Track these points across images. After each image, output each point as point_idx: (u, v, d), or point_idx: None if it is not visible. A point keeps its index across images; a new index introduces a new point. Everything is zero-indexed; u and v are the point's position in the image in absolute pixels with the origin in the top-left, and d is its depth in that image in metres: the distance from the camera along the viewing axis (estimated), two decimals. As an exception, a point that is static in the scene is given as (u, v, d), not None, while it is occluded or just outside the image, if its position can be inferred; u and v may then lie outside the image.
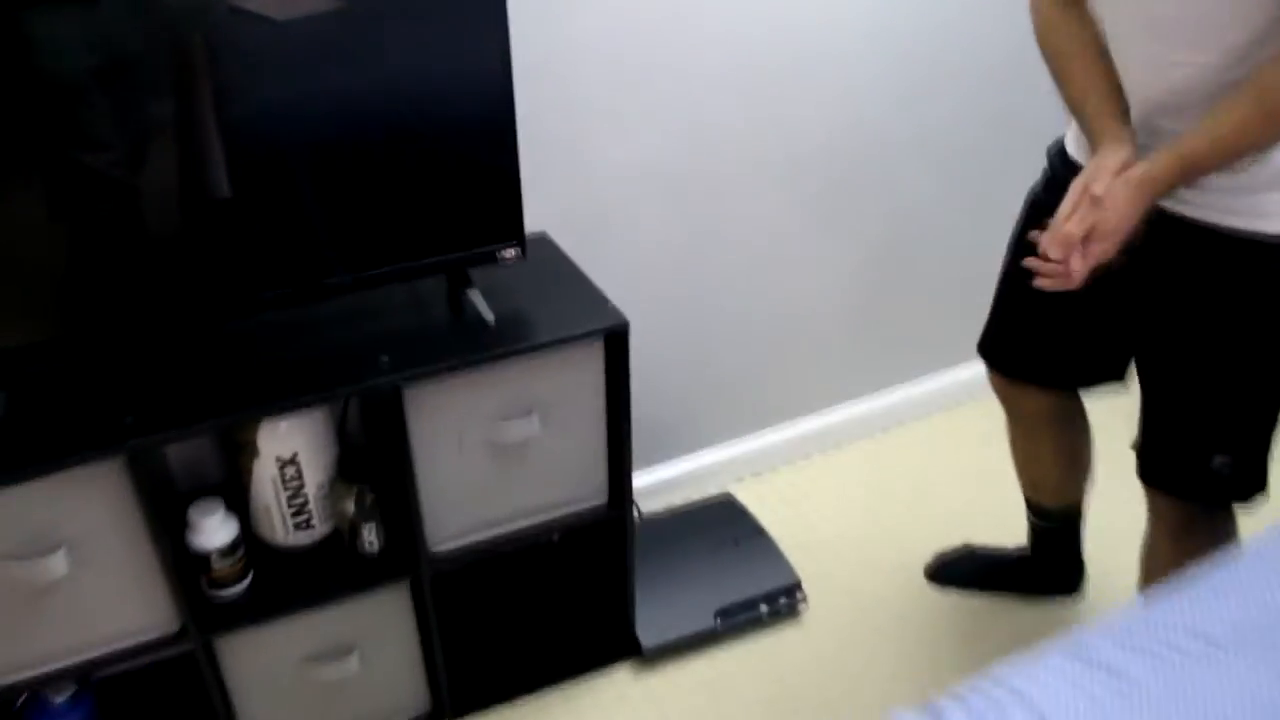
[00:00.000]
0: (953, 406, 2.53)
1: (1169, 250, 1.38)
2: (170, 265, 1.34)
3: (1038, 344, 1.66)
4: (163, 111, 1.26)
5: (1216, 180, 1.29)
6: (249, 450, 1.47)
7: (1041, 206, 1.50)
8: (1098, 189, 1.26)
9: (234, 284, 1.38)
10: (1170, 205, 1.34)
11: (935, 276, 2.31)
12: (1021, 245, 1.51)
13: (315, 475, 1.53)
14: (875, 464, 2.38)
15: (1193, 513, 1.52)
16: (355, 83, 1.33)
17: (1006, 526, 2.03)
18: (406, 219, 1.44)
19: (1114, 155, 1.27)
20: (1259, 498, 1.46)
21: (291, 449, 1.48)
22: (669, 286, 2.02)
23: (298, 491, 1.52)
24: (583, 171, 1.82)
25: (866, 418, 2.44)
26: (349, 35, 1.31)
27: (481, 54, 1.40)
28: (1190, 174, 1.25)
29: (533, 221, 1.67)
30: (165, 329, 1.37)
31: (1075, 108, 1.39)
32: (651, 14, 1.75)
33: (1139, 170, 1.25)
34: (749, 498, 2.22)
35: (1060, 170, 1.50)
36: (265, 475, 1.49)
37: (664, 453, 2.21)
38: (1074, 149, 1.49)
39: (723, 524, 2.13)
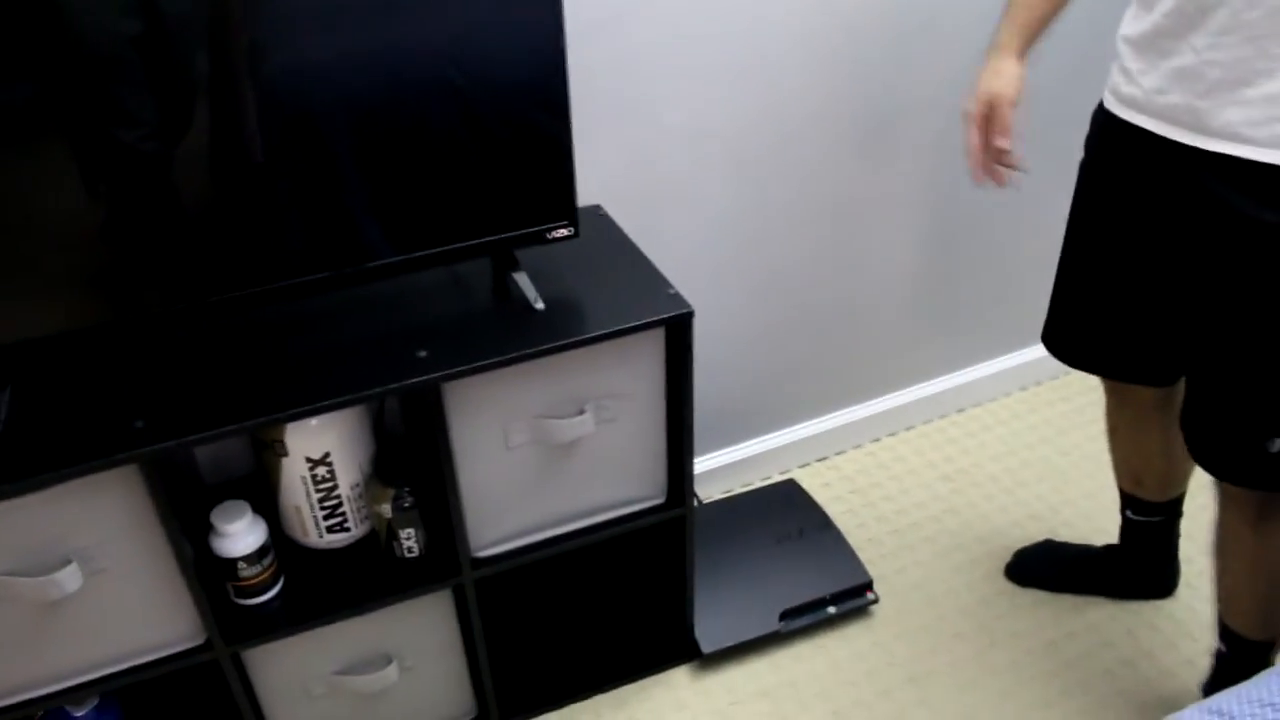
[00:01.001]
0: (1031, 386, 2.36)
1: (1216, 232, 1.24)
2: (199, 247, 1.22)
3: (1098, 333, 1.50)
4: (196, 75, 1.13)
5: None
6: (277, 448, 1.35)
7: (1088, 168, 1.43)
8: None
9: (266, 267, 1.25)
10: (1229, 147, 1.19)
11: (1009, 251, 2.13)
12: (1078, 218, 1.47)
13: (349, 475, 1.40)
14: (950, 448, 2.22)
15: (1264, 499, 1.38)
16: (395, 42, 1.19)
17: (1093, 520, 1.88)
18: (450, 194, 1.30)
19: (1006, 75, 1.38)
20: None
21: (323, 448, 1.36)
22: (731, 261, 1.86)
23: (330, 492, 1.40)
24: (640, 138, 1.66)
25: (940, 398, 2.27)
26: None
27: (532, 9, 1.24)
28: None
29: (586, 193, 1.52)
30: (192, 316, 1.25)
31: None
32: None
33: None
34: (814, 485, 2.08)
35: (1102, 124, 1.38)
36: (295, 474, 1.37)
37: (725, 437, 2.07)
38: (1111, 101, 1.34)
39: (787, 513, 1.98)
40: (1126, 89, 1.30)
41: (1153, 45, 1.25)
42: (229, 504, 1.34)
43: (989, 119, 1.40)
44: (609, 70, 1.58)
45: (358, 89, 1.20)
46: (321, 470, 1.37)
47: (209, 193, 1.20)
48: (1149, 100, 1.27)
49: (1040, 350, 1.56)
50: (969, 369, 2.30)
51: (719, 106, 1.70)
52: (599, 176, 1.62)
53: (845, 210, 1.92)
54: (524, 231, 1.35)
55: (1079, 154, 1.45)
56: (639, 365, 1.42)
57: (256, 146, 1.19)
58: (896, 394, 2.23)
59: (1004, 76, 1.39)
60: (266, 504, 1.42)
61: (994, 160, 1.42)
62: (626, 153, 1.66)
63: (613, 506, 1.53)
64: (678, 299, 1.40)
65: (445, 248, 1.32)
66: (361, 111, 1.21)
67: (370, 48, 1.19)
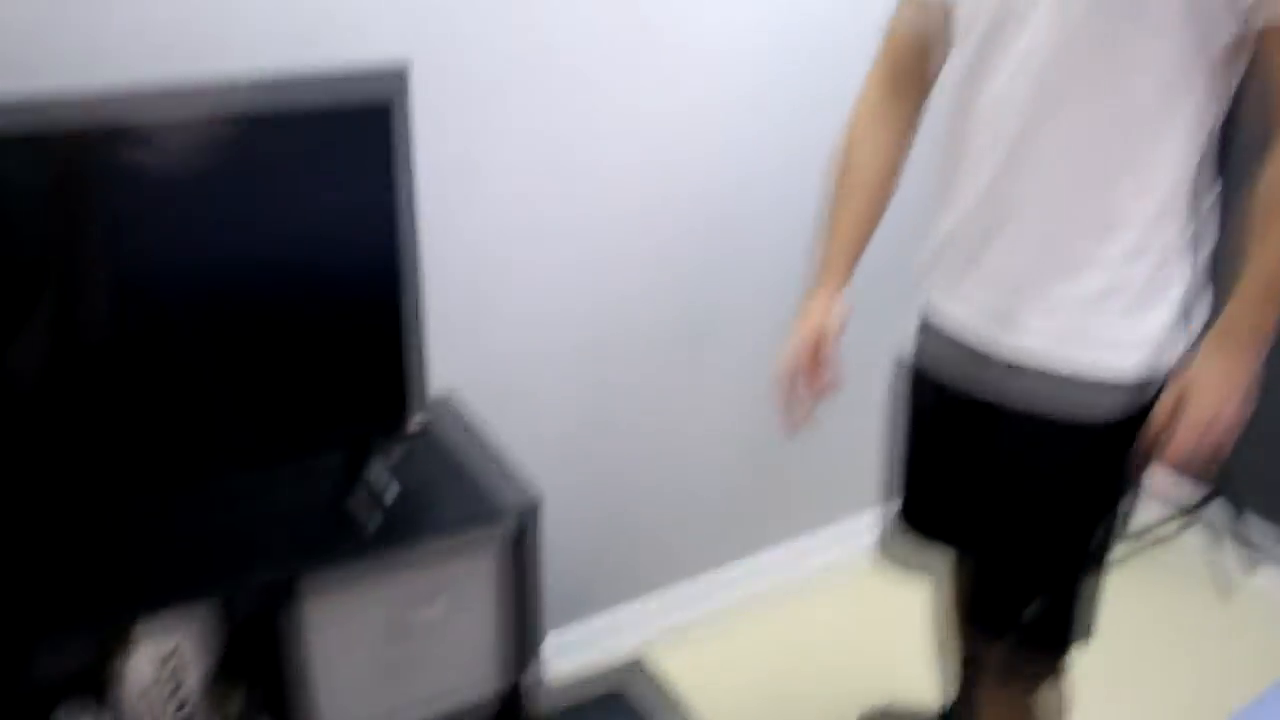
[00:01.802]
0: (864, 555, 2.48)
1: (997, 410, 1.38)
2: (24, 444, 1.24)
3: (935, 506, 1.60)
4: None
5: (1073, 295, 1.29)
6: (120, 645, 1.35)
7: (905, 364, 1.54)
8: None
9: (92, 473, 1.27)
10: (1010, 340, 1.33)
11: (848, 420, 2.29)
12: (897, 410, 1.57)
13: (196, 671, 1.40)
14: (792, 618, 2.31)
15: (1015, 660, 1.50)
16: (235, 239, 1.25)
17: (932, 683, 1.98)
18: (292, 393, 1.35)
19: (828, 309, 1.42)
20: (1077, 645, 1.45)
21: (168, 645, 1.36)
22: (578, 445, 1.94)
23: (176, 691, 1.39)
24: (492, 329, 1.75)
25: (779, 568, 2.37)
26: (231, 183, 1.23)
27: (381, 210, 1.33)
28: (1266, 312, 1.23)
29: (439, 380, 1.60)
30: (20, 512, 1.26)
31: (833, 228, 1.45)
32: (560, 175, 1.72)
33: (1216, 339, 1.25)
34: (664, 660, 2.14)
35: (919, 326, 1.50)
36: (140, 673, 1.37)
37: (572, 613, 2.12)
38: (923, 303, 1.48)
39: (634, 698, 2.02)
40: (933, 294, 1.45)
41: (947, 252, 1.40)
42: (70, 706, 1.32)
43: (807, 357, 1.42)
44: (459, 261, 1.66)
45: (194, 285, 1.24)
46: (168, 668, 1.37)
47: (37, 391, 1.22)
48: (951, 305, 1.41)
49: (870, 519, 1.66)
50: (812, 533, 2.41)
51: (566, 297, 1.81)
52: (451, 365, 1.70)
53: (681, 395, 2.04)
54: (368, 428, 1.41)
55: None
56: (489, 556, 1.48)
57: (85, 339, 1.22)
58: (742, 565, 2.32)
59: (829, 311, 1.44)
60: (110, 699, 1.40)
61: (808, 401, 1.44)
62: (479, 343, 1.74)
63: (459, 691, 1.56)
64: (526, 489, 1.47)
65: (284, 448, 1.36)
66: (198, 307, 1.25)
67: (207, 243, 1.23)
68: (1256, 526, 2.43)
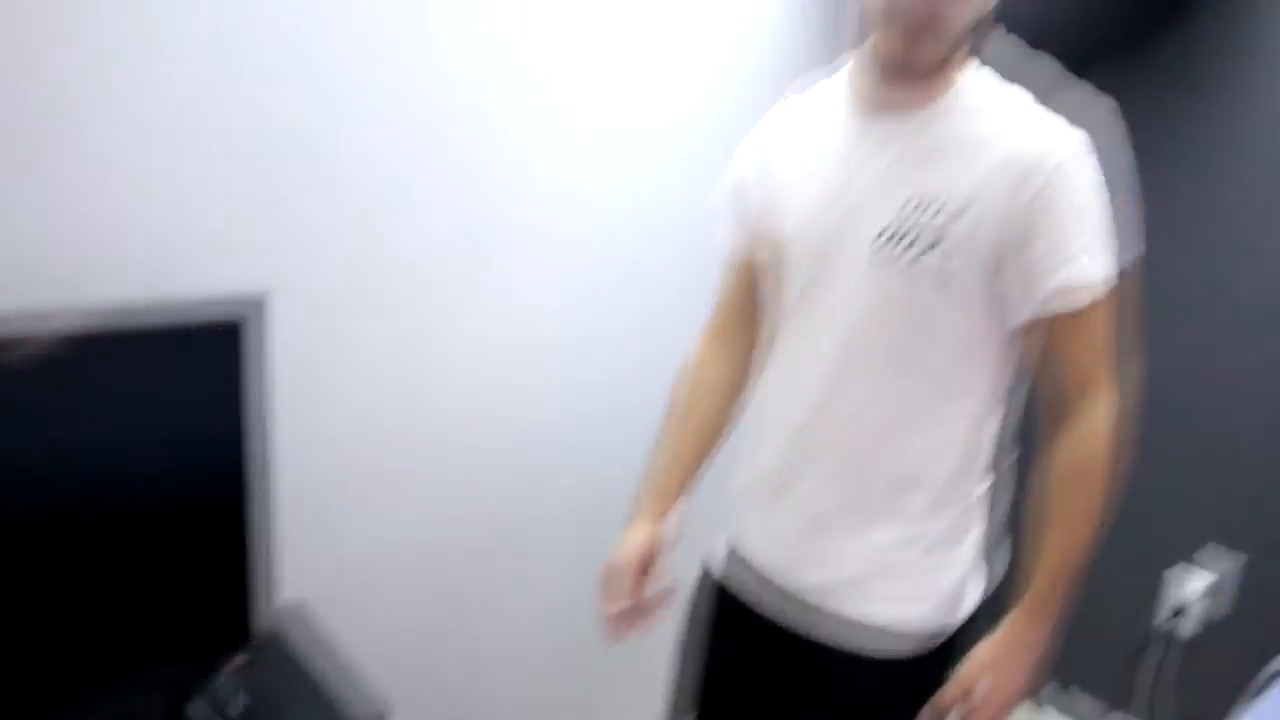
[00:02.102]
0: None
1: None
2: None
3: None
4: None
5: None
6: None
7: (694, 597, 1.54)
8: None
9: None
10: (809, 579, 1.37)
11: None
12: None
13: None
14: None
15: None
16: (86, 453, 1.22)
17: None
18: (137, 608, 1.29)
19: (641, 540, 1.42)
20: None
21: None
22: (424, 653, 1.90)
23: None
24: (341, 538, 1.71)
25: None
26: (84, 398, 1.21)
27: (232, 426, 1.31)
28: (1055, 604, 1.29)
29: (289, 590, 1.57)
30: None
31: (660, 460, 1.49)
32: (407, 389, 1.74)
33: (1018, 620, 1.30)
34: None
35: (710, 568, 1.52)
36: None
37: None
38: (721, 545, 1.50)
39: None
40: (741, 523, 1.47)
41: (756, 487, 1.43)
42: None
43: (628, 572, 1.43)
44: (310, 471, 1.63)
45: (30, 497, 1.19)
46: None
47: None
48: (755, 539, 1.44)
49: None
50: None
51: (411, 505, 1.80)
52: (300, 575, 1.63)
53: (513, 600, 2.02)
54: (213, 639, 1.35)
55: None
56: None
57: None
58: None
59: (647, 542, 1.44)
60: None
61: (630, 620, 1.44)
62: (327, 552, 1.70)
63: None
64: (373, 700, 1.41)
65: (128, 660, 1.29)
66: (40, 522, 1.20)
67: (56, 457, 1.20)
68: (1083, 701, 2.56)
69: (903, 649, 1.34)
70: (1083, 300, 1.22)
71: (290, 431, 1.55)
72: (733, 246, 1.48)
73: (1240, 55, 2.09)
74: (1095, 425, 1.26)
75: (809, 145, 1.36)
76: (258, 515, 1.38)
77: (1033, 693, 1.33)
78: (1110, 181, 1.25)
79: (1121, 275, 1.26)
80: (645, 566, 1.43)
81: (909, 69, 1.24)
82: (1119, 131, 1.26)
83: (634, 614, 1.42)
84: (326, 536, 1.70)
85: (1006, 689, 1.30)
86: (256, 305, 1.33)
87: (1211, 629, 2.28)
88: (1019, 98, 1.28)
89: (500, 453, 1.92)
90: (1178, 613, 2.28)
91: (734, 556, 1.49)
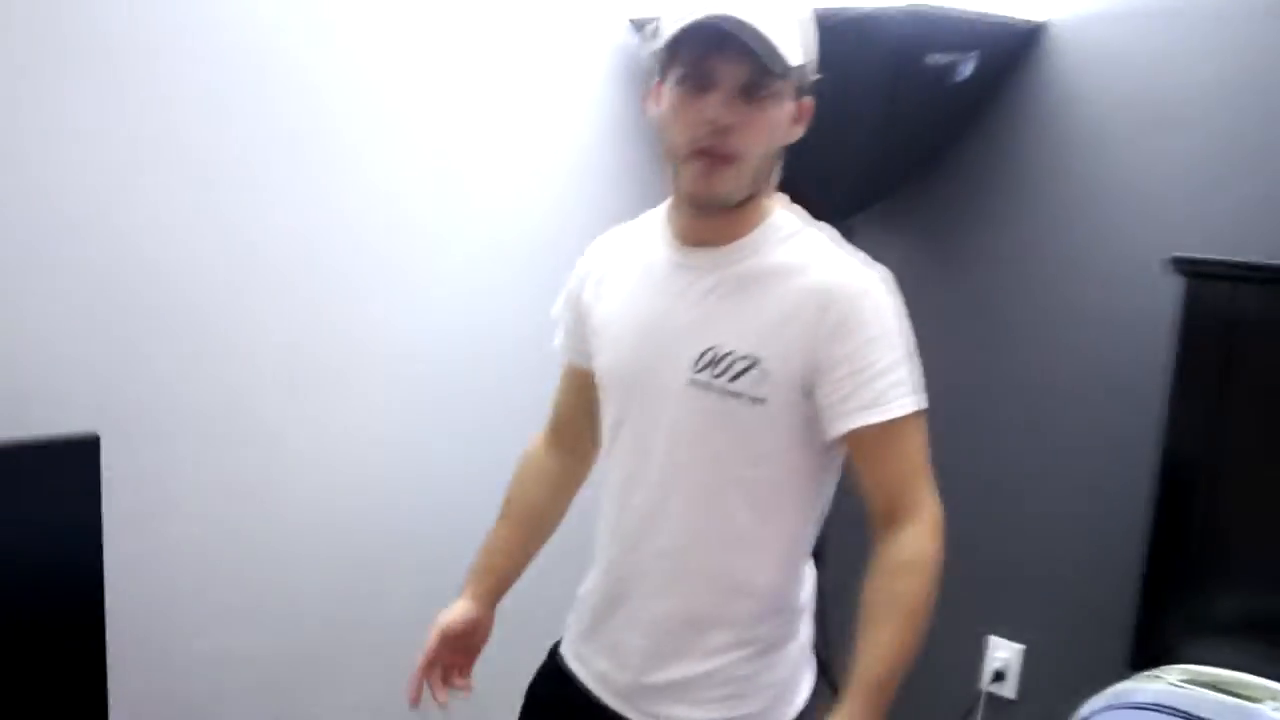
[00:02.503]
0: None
1: None
2: None
3: None
4: None
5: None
6: None
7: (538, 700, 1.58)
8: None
9: None
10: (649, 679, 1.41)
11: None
12: None
13: None
14: None
15: None
16: None
17: None
18: None
19: (457, 611, 1.54)
20: None
21: None
22: None
23: None
24: (173, 666, 1.74)
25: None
26: None
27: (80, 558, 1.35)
28: (882, 701, 1.28)
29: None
30: None
31: (487, 543, 1.60)
32: (240, 516, 1.78)
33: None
34: None
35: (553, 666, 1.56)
36: None
37: None
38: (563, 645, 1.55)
39: None
40: (570, 644, 1.54)
41: (591, 603, 1.49)
42: None
43: (437, 647, 1.54)
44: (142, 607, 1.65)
45: None
46: None
47: None
48: (582, 662, 1.51)
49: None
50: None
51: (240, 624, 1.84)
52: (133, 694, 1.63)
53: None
54: None
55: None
56: None
57: None
58: None
59: (456, 612, 1.56)
60: None
61: (440, 680, 1.55)
62: (159, 677, 1.71)
63: None
64: None
65: None
66: None
67: None
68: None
69: None
70: (893, 413, 1.28)
71: (124, 557, 1.55)
72: (566, 355, 1.58)
73: (992, 198, 2.33)
74: (920, 528, 1.30)
75: (630, 276, 1.44)
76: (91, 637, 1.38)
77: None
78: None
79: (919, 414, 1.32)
80: (456, 636, 1.54)
81: (712, 204, 1.31)
82: (897, 297, 1.35)
83: (431, 673, 1.53)
84: (161, 656, 1.70)
85: None
86: (89, 445, 1.34)
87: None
88: (824, 234, 1.38)
89: (338, 563, 1.95)
90: (999, 676, 2.44)
91: (577, 651, 1.54)
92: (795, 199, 1.43)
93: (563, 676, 1.54)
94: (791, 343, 1.30)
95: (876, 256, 1.38)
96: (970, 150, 2.34)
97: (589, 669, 1.51)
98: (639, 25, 2.25)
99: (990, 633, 2.45)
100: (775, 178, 1.37)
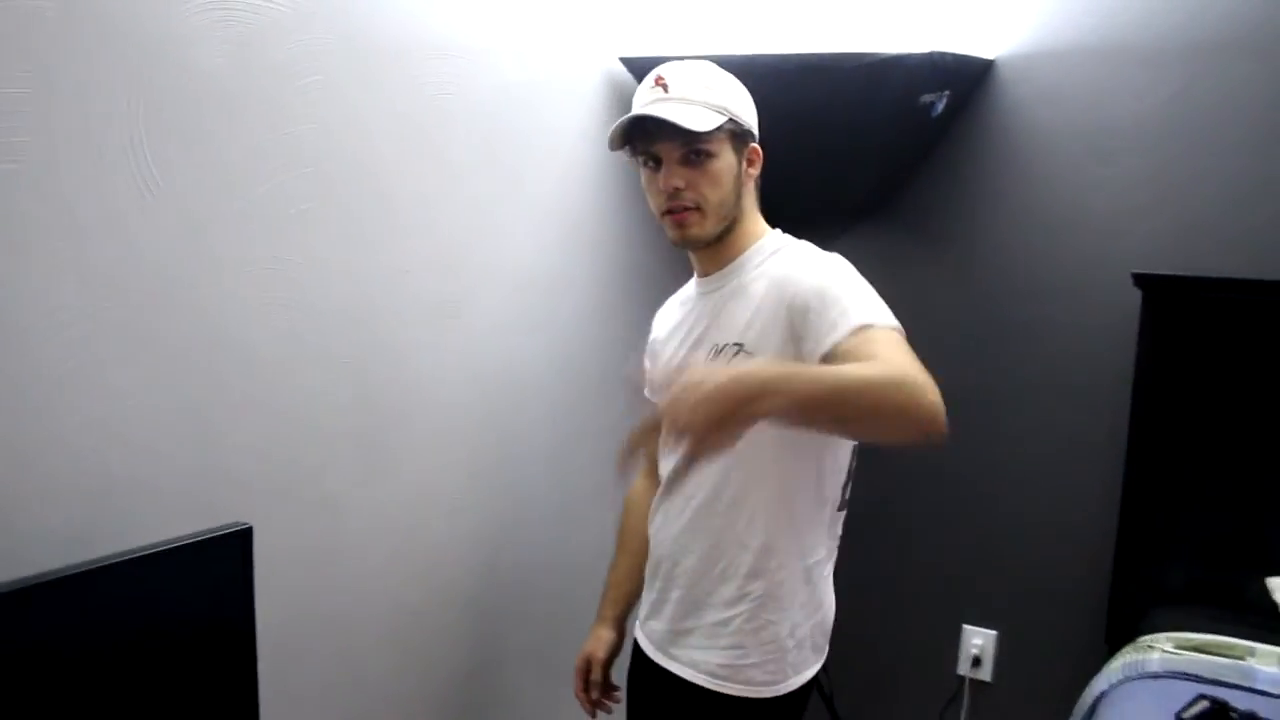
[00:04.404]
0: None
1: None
2: None
3: None
4: None
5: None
6: None
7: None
8: None
9: None
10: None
11: None
12: None
13: None
14: None
15: None
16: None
17: None
18: None
19: (600, 640, 1.85)
20: None
21: None
22: None
23: None
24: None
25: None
26: None
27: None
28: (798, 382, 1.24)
29: None
30: None
31: (611, 574, 1.91)
32: None
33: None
34: None
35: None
36: None
37: None
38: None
39: None
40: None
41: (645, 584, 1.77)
42: None
43: (587, 671, 1.85)
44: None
45: None
46: None
47: None
48: (641, 625, 1.79)
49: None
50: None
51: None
52: None
53: None
54: None
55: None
56: None
57: None
58: None
59: (600, 641, 1.86)
60: None
61: (593, 701, 1.87)
62: None
63: None
64: None
65: None
66: None
67: None
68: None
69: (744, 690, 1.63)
70: (851, 324, 1.40)
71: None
72: (651, 394, 1.80)
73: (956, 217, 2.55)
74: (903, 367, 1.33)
75: (672, 316, 1.80)
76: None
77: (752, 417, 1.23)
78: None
79: (899, 330, 1.43)
80: (602, 661, 1.84)
81: (691, 246, 1.65)
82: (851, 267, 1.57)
83: (595, 698, 1.86)
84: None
85: (704, 383, 1.19)
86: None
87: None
88: (799, 246, 1.66)
89: (405, 633, 1.93)
90: (976, 661, 2.65)
91: (641, 622, 1.83)
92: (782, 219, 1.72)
93: (637, 648, 1.81)
94: (766, 323, 1.55)
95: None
96: (933, 177, 2.54)
97: (644, 630, 1.79)
98: (629, 64, 2.32)
99: (965, 622, 2.65)
100: (749, 210, 1.67)
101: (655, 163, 1.61)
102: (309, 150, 1.62)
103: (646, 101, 1.59)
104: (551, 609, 2.33)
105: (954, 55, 2.25)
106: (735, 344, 1.58)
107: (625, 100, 2.34)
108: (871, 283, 1.54)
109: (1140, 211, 2.34)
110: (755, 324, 1.57)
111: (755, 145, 1.66)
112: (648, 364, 1.85)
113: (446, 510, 1.98)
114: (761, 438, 1.41)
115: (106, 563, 1.19)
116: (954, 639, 2.68)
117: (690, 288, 1.78)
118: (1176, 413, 2.30)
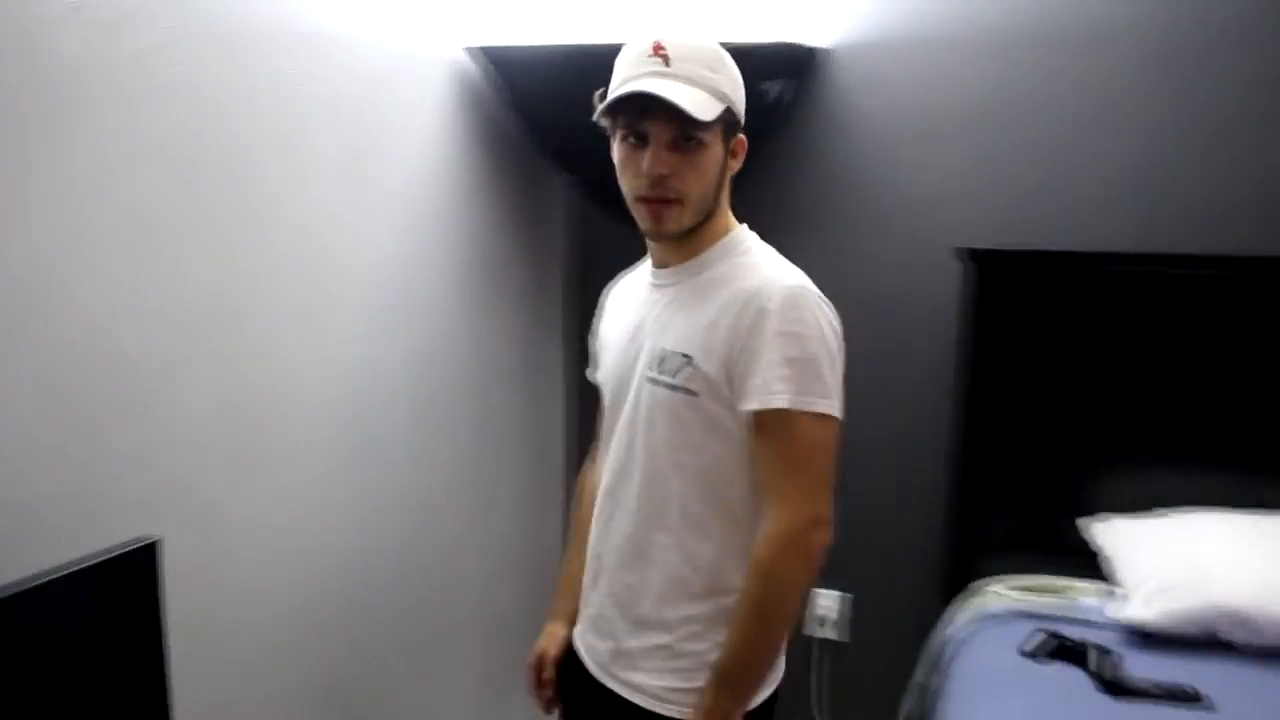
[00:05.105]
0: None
1: None
2: None
3: None
4: None
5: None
6: None
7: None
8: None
9: None
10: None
11: None
12: None
13: None
14: None
15: None
16: None
17: None
18: None
19: (554, 637, 1.74)
20: None
21: None
22: None
23: None
24: None
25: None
26: None
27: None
28: (737, 687, 1.46)
29: None
30: None
31: (564, 567, 1.78)
32: None
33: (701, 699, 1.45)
34: None
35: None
36: None
37: None
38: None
39: None
40: (578, 625, 1.71)
41: (581, 591, 1.67)
42: None
43: (540, 668, 1.75)
44: None
45: None
46: None
47: None
48: (579, 637, 1.69)
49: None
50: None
51: None
52: None
53: None
54: None
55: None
56: None
57: None
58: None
59: (553, 638, 1.75)
60: None
61: (551, 698, 1.76)
62: None
63: None
64: None
65: None
66: None
67: None
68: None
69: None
70: (770, 404, 1.41)
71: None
72: (595, 381, 1.72)
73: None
74: (764, 531, 1.45)
75: (626, 301, 1.67)
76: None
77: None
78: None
79: (828, 418, 1.44)
80: (555, 659, 1.74)
81: (663, 238, 1.53)
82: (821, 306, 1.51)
83: (550, 696, 1.76)
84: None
85: None
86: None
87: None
88: (767, 251, 1.56)
89: (293, 630, 1.88)
90: (824, 622, 2.80)
91: (579, 629, 1.72)
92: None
93: (573, 654, 1.72)
94: (715, 342, 1.46)
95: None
96: (775, 163, 2.65)
97: (583, 642, 1.69)
98: (475, 54, 2.31)
99: (816, 586, 2.79)
100: (724, 202, 1.56)
101: (638, 139, 1.46)
102: (172, 146, 1.55)
103: (643, 72, 1.43)
104: (423, 605, 2.31)
105: (793, 45, 2.35)
106: (684, 355, 1.48)
107: (472, 92, 2.34)
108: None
109: (964, 192, 2.52)
110: (707, 338, 1.47)
111: (741, 136, 1.54)
112: (593, 345, 1.75)
113: (318, 510, 1.93)
114: (711, 460, 1.48)
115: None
116: (806, 603, 2.81)
117: (643, 273, 1.65)
118: (997, 376, 2.50)
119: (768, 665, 1.53)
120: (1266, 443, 2.34)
